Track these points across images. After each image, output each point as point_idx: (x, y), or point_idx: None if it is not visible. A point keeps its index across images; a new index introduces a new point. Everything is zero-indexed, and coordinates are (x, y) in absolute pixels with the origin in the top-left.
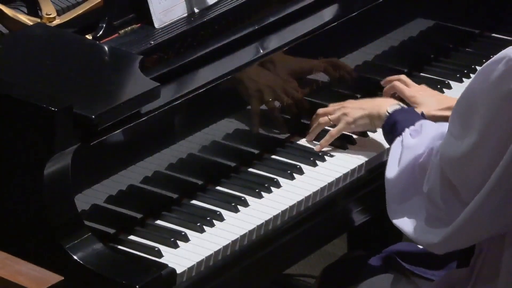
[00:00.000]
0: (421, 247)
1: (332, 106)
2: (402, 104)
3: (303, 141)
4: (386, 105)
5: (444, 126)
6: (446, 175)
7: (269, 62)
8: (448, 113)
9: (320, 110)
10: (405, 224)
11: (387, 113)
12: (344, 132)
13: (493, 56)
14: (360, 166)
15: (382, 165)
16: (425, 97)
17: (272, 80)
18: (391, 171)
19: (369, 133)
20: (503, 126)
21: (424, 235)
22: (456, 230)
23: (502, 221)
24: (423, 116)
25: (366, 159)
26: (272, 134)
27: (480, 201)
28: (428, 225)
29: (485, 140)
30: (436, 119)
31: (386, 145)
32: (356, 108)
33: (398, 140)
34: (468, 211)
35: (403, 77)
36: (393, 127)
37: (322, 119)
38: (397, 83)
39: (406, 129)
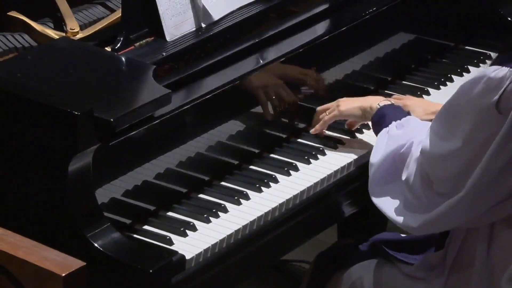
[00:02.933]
0: (403, 235)
1: (329, 104)
2: (392, 101)
3: (298, 142)
4: (378, 100)
5: (427, 125)
6: (424, 167)
7: (268, 71)
8: (432, 117)
9: (319, 108)
10: (385, 205)
11: (378, 106)
12: (334, 134)
13: (466, 66)
14: (349, 164)
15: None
16: (414, 106)
17: (271, 87)
18: (375, 157)
19: (357, 134)
20: (483, 133)
21: (402, 217)
22: (435, 217)
23: (477, 213)
24: (409, 114)
25: (355, 157)
26: (270, 135)
27: (462, 195)
28: (406, 209)
29: (467, 144)
30: None
31: (373, 145)
32: (350, 100)
33: (384, 130)
34: (449, 203)
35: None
36: (381, 119)
37: (322, 116)
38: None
39: (393, 122)
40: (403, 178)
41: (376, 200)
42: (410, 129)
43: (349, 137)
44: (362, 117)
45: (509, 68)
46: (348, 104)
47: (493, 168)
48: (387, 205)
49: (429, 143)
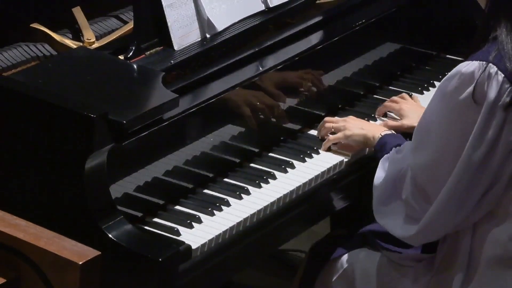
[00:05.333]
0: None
1: (337, 118)
2: (393, 131)
3: (294, 142)
4: (380, 130)
5: None
6: (419, 183)
7: (267, 77)
8: None
9: (327, 118)
10: (387, 222)
11: (380, 135)
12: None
13: (447, 73)
14: (341, 162)
15: (359, 161)
16: (409, 111)
17: (269, 92)
18: (378, 180)
19: None
20: (459, 131)
21: (402, 230)
22: (428, 223)
23: (462, 215)
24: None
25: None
26: (269, 136)
27: (444, 198)
28: (405, 223)
29: (445, 145)
30: None
31: None
32: (356, 126)
33: (385, 156)
34: (434, 207)
35: (393, 98)
36: (383, 146)
37: (327, 125)
38: (387, 103)
39: (393, 148)
40: (403, 197)
41: (380, 220)
42: (407, 151)
43: None
44: (363, 144)
45: (478, 61)
46: (354, 129)
47: (474, 160)
48: (390, 223)
49: (416, 156)
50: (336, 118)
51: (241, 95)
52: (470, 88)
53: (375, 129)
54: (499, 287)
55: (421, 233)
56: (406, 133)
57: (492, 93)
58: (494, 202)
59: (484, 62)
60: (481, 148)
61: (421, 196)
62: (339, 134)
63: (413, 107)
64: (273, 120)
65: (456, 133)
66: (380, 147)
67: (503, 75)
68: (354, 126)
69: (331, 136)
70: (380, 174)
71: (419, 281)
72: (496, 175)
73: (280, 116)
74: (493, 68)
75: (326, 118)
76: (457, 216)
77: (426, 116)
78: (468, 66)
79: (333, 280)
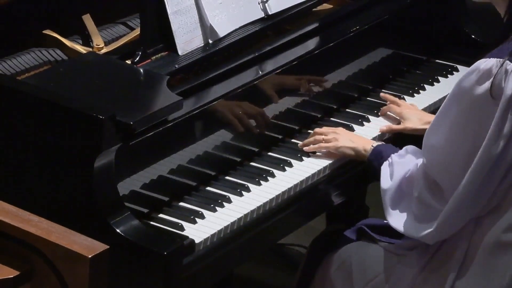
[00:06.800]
0: (385, 221)
1: (327, 129)
2: (383, 142)
3: (292, 141)
4: (370, 142)
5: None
6: (431, 178)
7: (266, 81)
8: (426, 127)
9: (317, 130)
10: (399, 224)
11: (372, 147)
12: None
13: (436, 77)
14: (337, 160)
15: (355, 160)
16: (410, 114)
17: (269, 94)
18: (385, 184)
19: None
20: (475, 126)
21: (416, 230)
22: (446, 219)
23: (478, 205)
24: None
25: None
26: (268, 136)
27: (462, 193)
28: (418, 222)
29: (460, 140)
30: (418, 131)
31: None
32: (347, 139)
33: (386, 163)
34: (451, 202)
35: (396, 101)
36: (378, 155)
37: (318, 137)
38: (391, 105)
39: (392, 155)
40: (415, 195)
41: (391, 221)
42: (411, 155)
43: None
44: (354, 156)
45: (496, 58)
46: (345, 141)
47: (492, 154)
48: (401, 223)
49: (431, 151)
50: (326, 128)
51: (242, 98)
52: (488, 84)
53: (365, 142)
54: (489, 272)
55: (439, 229)
56: (406, 136)
57: (509, 88)
58: (501, 196)
59: (501, 59)
60: (498, 143)
61: (434, 191)
62: (330, 144)
63: (413, 111)
64: (272, 121)
65: (472, 128)
66: (375, 157)
67: None
68: (344, 138)
69: (322, 144)
70: (386, 179)
71: (413, 267)
72: (508, 169)
73: (279, 117)
74: (509, 65)
75: (316, 130)
76: (472, 209)
77: (442, 112)
78: (486, 63)
79: (331, 272)
